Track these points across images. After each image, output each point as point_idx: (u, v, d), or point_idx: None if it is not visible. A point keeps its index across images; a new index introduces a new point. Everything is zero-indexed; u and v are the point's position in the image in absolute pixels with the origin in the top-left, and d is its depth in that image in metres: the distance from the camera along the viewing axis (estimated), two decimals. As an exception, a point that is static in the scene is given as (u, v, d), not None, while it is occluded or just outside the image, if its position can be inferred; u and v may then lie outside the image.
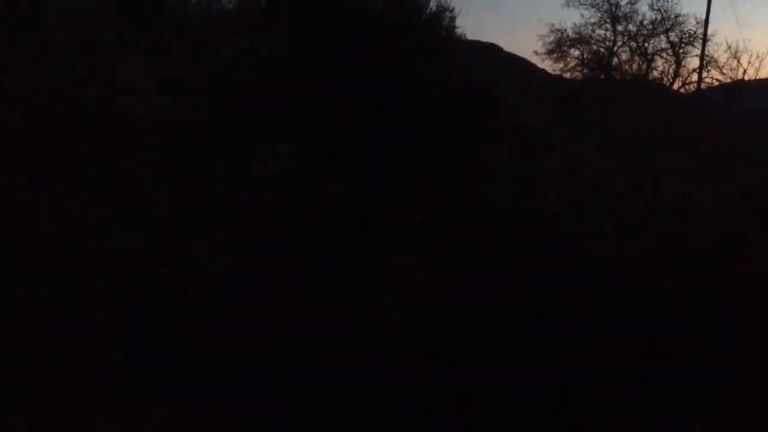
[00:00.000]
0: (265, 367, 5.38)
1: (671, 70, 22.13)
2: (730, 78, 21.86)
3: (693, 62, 22.27)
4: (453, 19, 16.71)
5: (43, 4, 10.38)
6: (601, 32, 21.76)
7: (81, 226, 7.45)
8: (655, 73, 22.11)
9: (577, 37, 21.69)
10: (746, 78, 21.81)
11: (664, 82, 22.07)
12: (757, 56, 31.61)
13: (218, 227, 7.43)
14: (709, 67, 21.97)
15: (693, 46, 22.04)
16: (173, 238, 7.30)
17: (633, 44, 21.88)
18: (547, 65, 22.60)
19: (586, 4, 21.78)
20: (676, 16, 21.86)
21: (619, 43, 21.88)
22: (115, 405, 4.88)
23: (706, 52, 21.80)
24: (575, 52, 21.76)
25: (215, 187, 8.21)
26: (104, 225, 7.52)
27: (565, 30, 21.73)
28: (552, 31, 21.73)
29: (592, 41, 21.80)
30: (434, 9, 16.12)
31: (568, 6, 22.60)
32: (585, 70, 21.78)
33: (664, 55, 22.09)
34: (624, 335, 6.55)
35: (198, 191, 8.08)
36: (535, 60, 24.71)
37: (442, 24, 16.37)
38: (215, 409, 4.96)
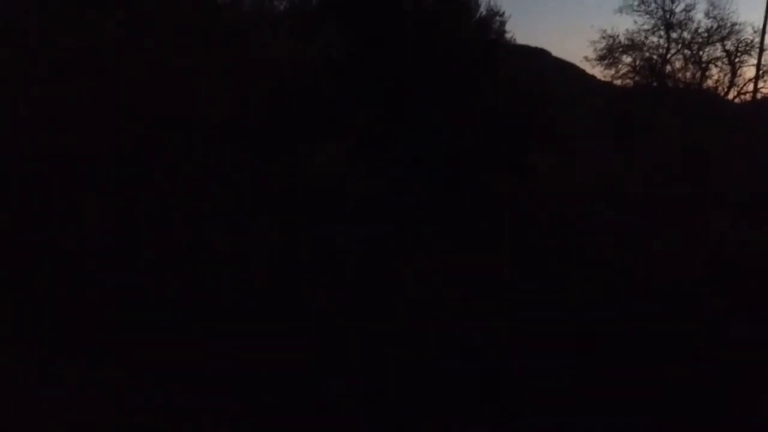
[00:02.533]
0: (308, 353, 5.51)
1: (726, 80, 21.54)
2: (788, 88, 21.20)
3: (749, 72, 21.65)
4: (503, 23, 16.67)
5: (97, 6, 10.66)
6: (655, 39, 21.31)
7: (135, 219, 7.71)
8: (710, 82, 21.56)
9: (630, 43, 21.29)
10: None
11: (718, 92, 21.51)
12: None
13: (268, 222, 7.61)
14: (765, 77, 21.33)
15: (749, 55, 21.42)
16: (224, 231, 7.50)
17: (687, 52, 21.39)
18: (598, 71, 22.25)
19: (639, 11, 21.38)
20: (733, 25, 21.26)
21: (672, 51, 21.42)
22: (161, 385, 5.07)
23: (763, 62, 21.19)
24: (627, 59, 21.37)
25: (265, 184, 8.39)
26: (158, 217, 7.76)
27: (617, 36, 21.38)
28: (603, 37, 21.35)
29: (645, 48, 21.38)
30: (484, 13, 16.12)
31: (621, 12, 22.21)
32: (637, 78, 21.39)
33: (719, 63, 21.54)
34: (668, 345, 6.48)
35: (249, 187, 8.27)
36: (585, 66, 24.36)
37: (491, 28, 16.35)
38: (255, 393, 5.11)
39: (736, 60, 21.48)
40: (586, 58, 22.76)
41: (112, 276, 6.75)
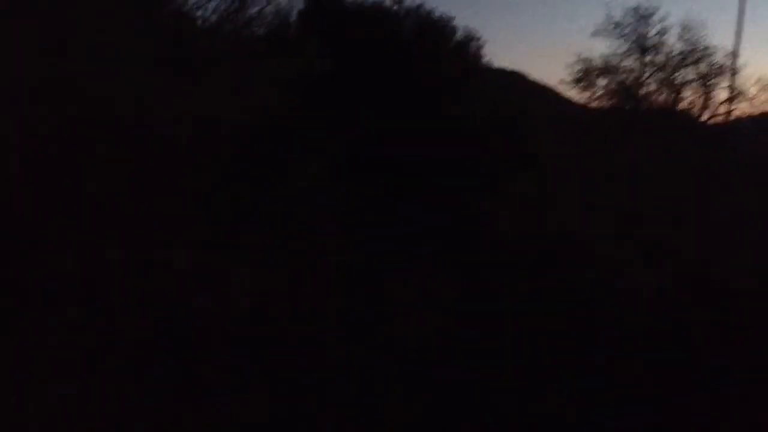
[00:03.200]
0: (286, 379, 5.50)
1: (700, 102, 21.96)
2: (761, 111, 21.63)
3: (722, 94, 22.11)
4: (480, 47, 17.01)
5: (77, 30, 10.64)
6: (629, 62, 21.76)
7: (115, 243, 7.69)
8: (684, 104, 21.98)
9: (605, 66, 21.70)
10: (776, 110, 21.57)
11: (692, 114, 21.93)
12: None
13: (248, 243, 7.63)
14: (738, 99, 21.80)
15: (722, 77, 21.92)
16: (204, 255, 7.50)
17: (661, 75, 21.82)
18: (574, 94, 22.58)
19: (614, 35, 21.81)
20: (705, 48, 21.77)
21: (647, 74, 21.84)
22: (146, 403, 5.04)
23: (736, 84, 21.66)
24: (602, 82, 21.76)
25: (246, 205, 8.43)
26: (138, 241, 7.75)
27: (593, 59, 21.77)
28: (579, 61, 21.75)
29: (620, 71, 21.79)
30: (461, 37, 16.42)
31: (596, 36, 22.61)
32: (612, 100, 21.73)
33: (693, 86, 21.98)
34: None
35: (229, 209, 8.30)
36: (561, 89, 24.70)
37: (469, 52, 16.65)
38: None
39: (709, 82, 21.94)
40: (562, 81, 23.12)
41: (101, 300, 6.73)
